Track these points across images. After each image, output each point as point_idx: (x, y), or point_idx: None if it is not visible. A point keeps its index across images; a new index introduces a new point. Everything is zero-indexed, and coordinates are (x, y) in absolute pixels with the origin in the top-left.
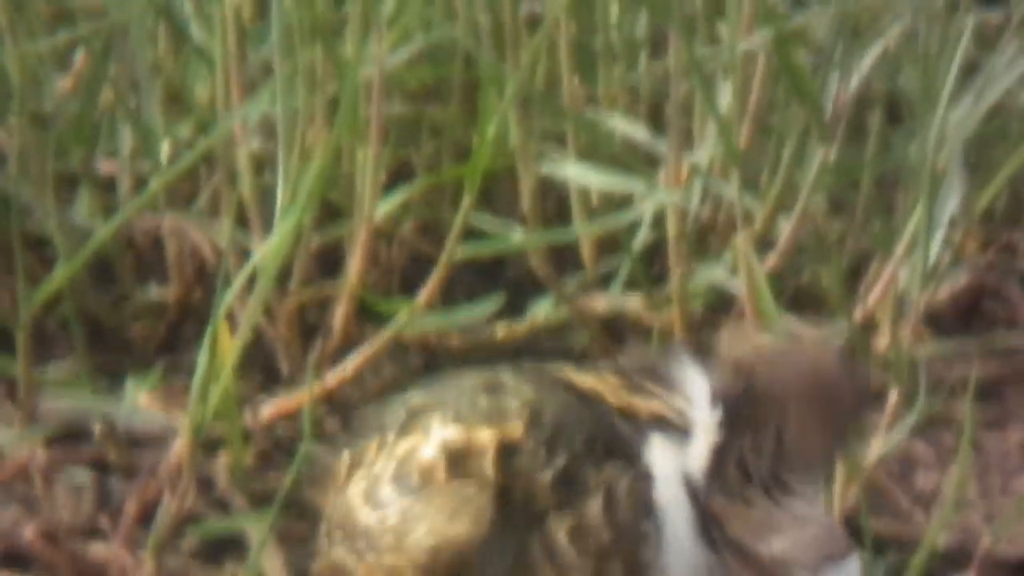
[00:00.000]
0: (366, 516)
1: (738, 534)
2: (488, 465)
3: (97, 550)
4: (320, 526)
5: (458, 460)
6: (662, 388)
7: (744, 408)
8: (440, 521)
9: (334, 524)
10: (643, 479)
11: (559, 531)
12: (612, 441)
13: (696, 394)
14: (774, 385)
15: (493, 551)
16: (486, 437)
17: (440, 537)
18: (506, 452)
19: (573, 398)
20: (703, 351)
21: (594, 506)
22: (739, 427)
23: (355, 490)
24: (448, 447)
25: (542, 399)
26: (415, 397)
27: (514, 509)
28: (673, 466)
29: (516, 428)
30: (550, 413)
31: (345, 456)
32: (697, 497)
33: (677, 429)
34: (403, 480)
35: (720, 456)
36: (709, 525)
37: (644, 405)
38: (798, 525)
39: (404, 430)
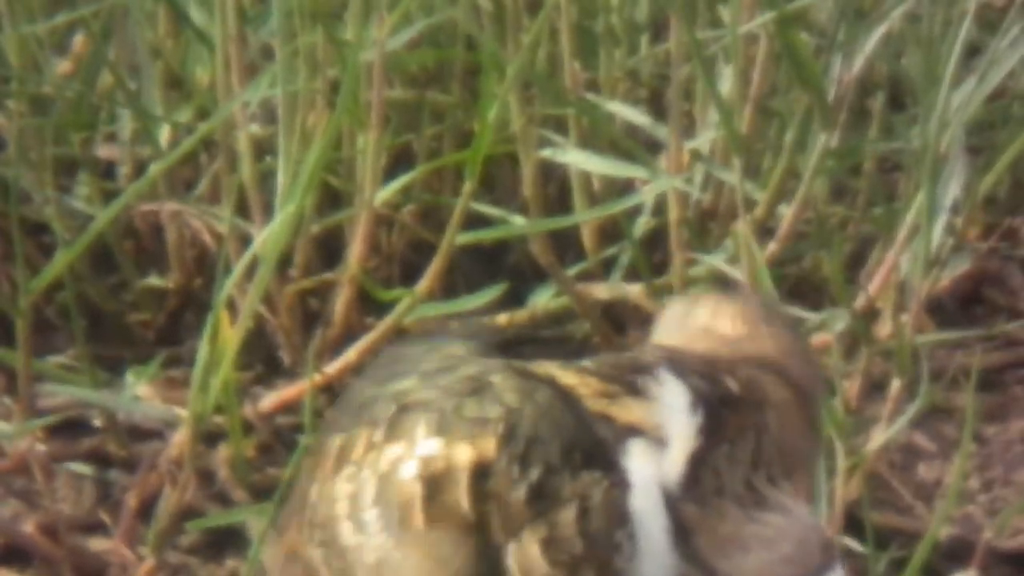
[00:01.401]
0: (347, 536)
1: (703, 549)
2: (463, 496)
3: (97, 544)
4: (294, 501)
5: (435, 491)
6: (640, 396)
7: (724, 415)
8: (408, 568)
9: (314, 519)
10: (618, 487)
11: (532, 544)
12: (591, 448)
13: (674, 402)
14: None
15: None
16: (463, 457)
17: None
18: (480, 475)
19: (556, 401)
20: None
21: (567, 516)
22: (718, 434)
23: (340, 494)
24: (427, 468)
25: (523, 405)
26: (407, 385)
27: (492, 533)
28: (650, 474)
29: (489, 447)
30: (528, 422)
31: (336, 441)
32: (673, 506)
33: (654, 438)
34: (384, 504)
35: (696, 464)
36: (681, 535)
37: (622, 414)
38: (767, 545)
39: (392, 428)
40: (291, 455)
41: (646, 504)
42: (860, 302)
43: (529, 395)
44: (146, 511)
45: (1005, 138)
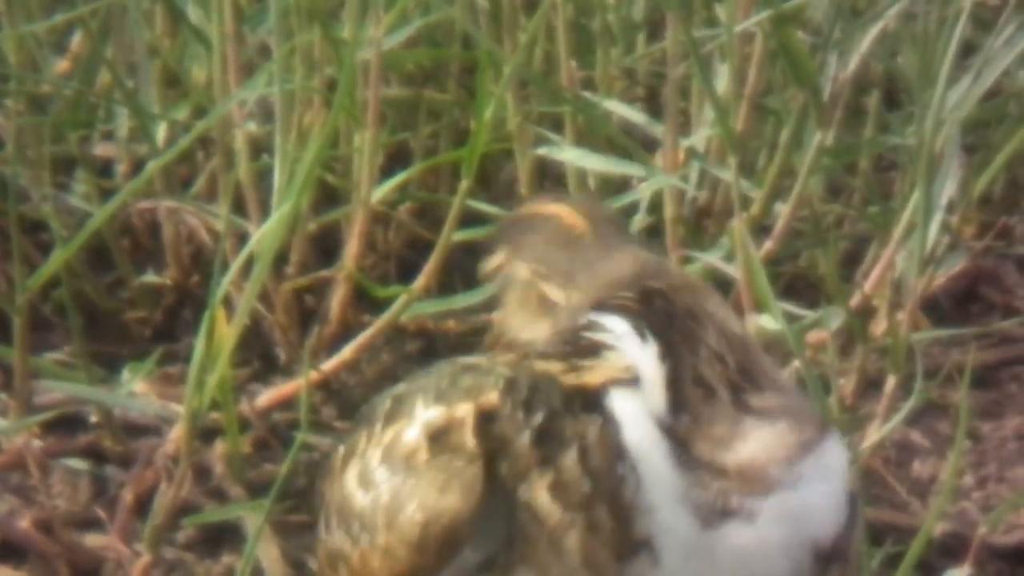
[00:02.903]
0: (360, 499)
1: (704, 453)
2: (469, 436)
3: (93, 540)
4: (320, 518)
5: (439, 436)
6: (598, 353)
7: (670, 327)
8: (430, 495)
9: (332, 510)
10: (609, 424)
11: (541, 492)
12: (584, 399)
13: (622, 341)
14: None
15: (484, 523)
16: (464, 410)
17: (430, 511)
18: (485, 419)
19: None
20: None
21: (569, 459)
22: (676, 347)
23: (349, 475)
24: (430, 427)
25: (516, 373)
26: (400, 387)
27: (501, 477)
28: (636, 407)
29: (492, 396)
30: (525, 380)
31: (340, 449)
32: (666, 430)
33: (630, 381)
34: (392, 461)
35: (675, 382)
36: (679, 451)
37: (594, 378)
38: (766, 423)
39: (390, 417)
40: (287, 451)
41: (639, 435)
42: (856, 300)
43: (518, 367)
44: (142, 507)
45: (1000, 136)
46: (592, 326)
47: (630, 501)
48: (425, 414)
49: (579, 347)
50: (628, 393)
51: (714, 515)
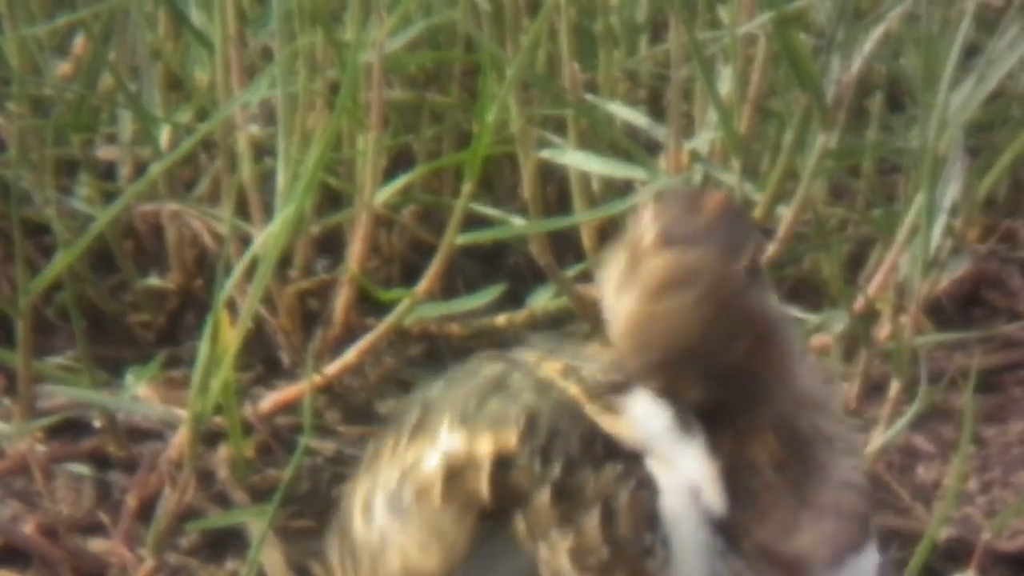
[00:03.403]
0: (358, 525)
1: (764, 539)
2: (483, 484)
3: (97, 545)
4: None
5: (455, 476)
6: (619, 413)
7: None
8: (410, 551)
9: (338, 522)
10: (646, 489)
11: (561, 554)
12: (610, 441)
13: (653, 420)
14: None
15: (490, 570)
16: (484, 448)
17: (404, 562)
18: (502, 466)
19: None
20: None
21: (592, 521)
22: (722, 442)
23: (359, 491)
24: (449, 459)
25: (541, 402)
26: (433, 390)
27: (515, 528)
28: (676, 479)
29: (511, 439)
30: (548, 417)
31: (370, 448)
32: (712, 513)
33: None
34: (399, 492)
35: (726, 471)
36: (733, 537)
37: (613, 426)
38: (817, 519)
39: (416, 431)
40: (290, 456)
41: (678, 507)
42: (859, 303)
43: (546, 392)
44: (146, 512)
45: (1004, 139)
46: (627, 389)
47: (655, 574)
48: (448, 440)
49: (605, 397)
50: (664, 459)
51: None
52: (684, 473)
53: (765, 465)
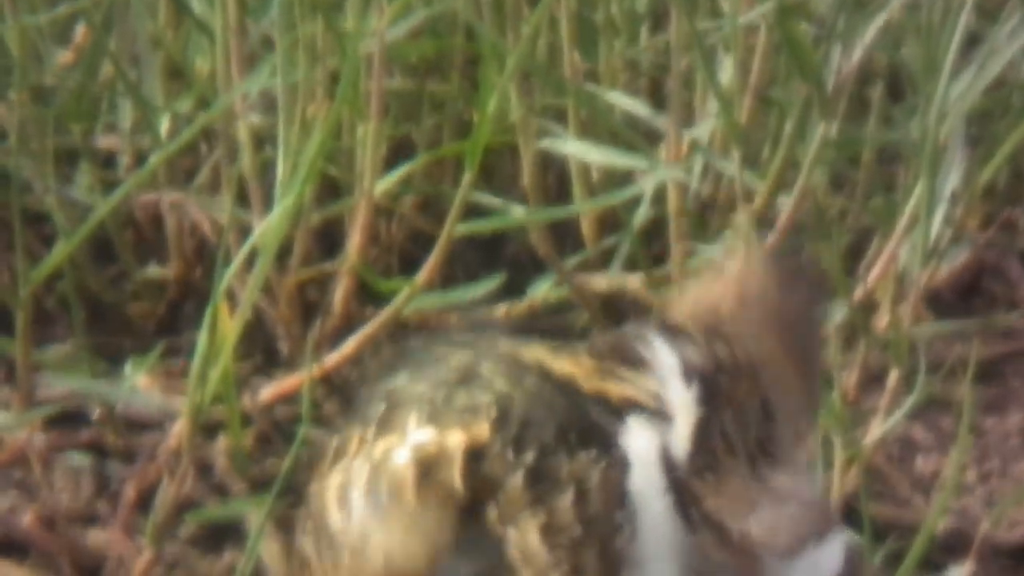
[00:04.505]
0: (335, 519)
1: (716, 510)
2: (456, 475)
3: (96, 536)
4: (302, 511)
5: (429, 470)
6: (634, 370)
7: (721, 381)
8: (391, 543)
9: (310, 513)
10: (616, 467)
11: (531, 531)
12: (585, 429)
13: (667, 372)
14: (745, 347)
15: (464, 557)
16: (456, 441)
17: (388, 560)
18: (474, 457)
19: (546, 386)
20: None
21: (565, 501)
22: (718, 401)
23: (332, 484)
24: (420, 453)
25: (513, 391)
26: (397, 383)
27: (488, 516)
28: (650, 449)
29: (483, 430)
30: (520, 406)
31: (333, 442)
32: (677, 478)
33: (652, 412)
34: (373, 488)
35: (702, 432)
36: (689, 505)
37: (617, 390)
38: (777, 504)
39: (383, 425)
40: (290, 447)
41: (645, 483)
42: (858, 293)
43: (518, 380)
44: (144, 503)
45: (1004, 128)
46: (644, 338)
47: (621, 551)
48: (416, 435)
49: (618, 352)
50: (644, 427)
51: None
52: (669, 434)
53: (737, 439)
